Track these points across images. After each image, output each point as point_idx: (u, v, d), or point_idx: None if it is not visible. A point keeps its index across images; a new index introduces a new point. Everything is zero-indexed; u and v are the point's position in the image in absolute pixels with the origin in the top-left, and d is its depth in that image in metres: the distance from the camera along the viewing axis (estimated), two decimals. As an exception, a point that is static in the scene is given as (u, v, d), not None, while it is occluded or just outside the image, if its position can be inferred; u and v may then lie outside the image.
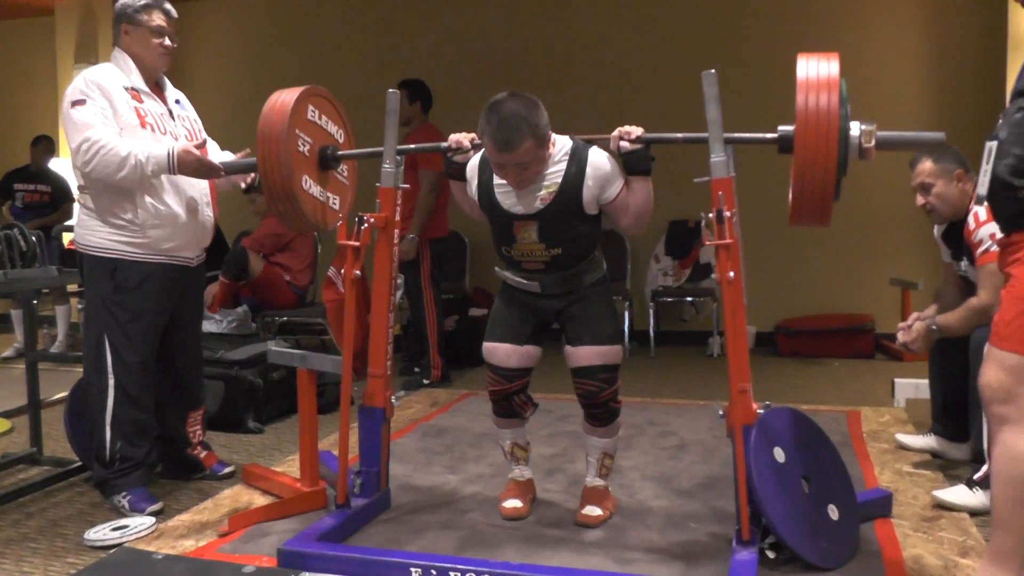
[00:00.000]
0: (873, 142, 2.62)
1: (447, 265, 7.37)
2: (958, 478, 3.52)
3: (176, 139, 3.47)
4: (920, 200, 3.69)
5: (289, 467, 3.85)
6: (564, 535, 3.08)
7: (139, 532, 3.12)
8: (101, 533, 3.09)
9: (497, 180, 3.04)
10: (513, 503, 3.26)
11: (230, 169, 3.45)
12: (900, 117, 6.88)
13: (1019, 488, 2.26)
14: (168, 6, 3.56)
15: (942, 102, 7.09)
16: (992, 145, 2.37)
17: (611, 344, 3.11)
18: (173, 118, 3.56)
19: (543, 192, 2.97)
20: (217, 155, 3.63)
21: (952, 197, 3.62)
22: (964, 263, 3.70)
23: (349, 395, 3.18)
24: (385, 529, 3.16)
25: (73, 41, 8.44)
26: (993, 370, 2.32)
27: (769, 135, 2.76)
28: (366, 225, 3.15)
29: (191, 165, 3.31)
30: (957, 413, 3.85)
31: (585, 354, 3.09)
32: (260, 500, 3.49)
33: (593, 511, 3.19)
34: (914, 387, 4.98)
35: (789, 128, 2.65)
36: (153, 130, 3.39)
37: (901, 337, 3.73)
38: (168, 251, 3.48)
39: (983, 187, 2.40)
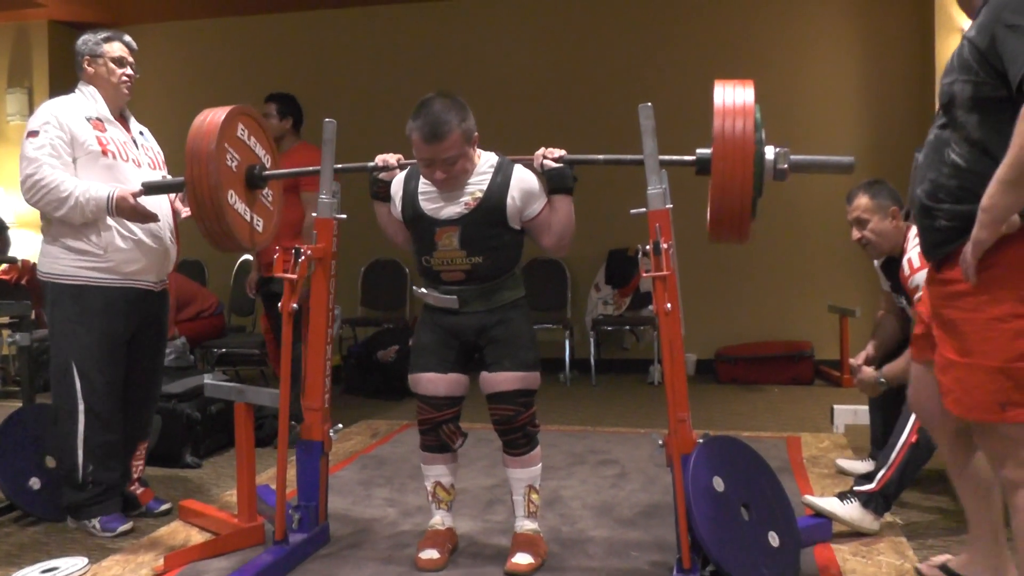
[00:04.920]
0: (787, 164, 2.72)
1: (385, 293, 7.33)
2: (904, 499, 3.57)
3: (139, 166, 3.60)
4: (856, 234, 3.72)
5: (227, 502, 3.79)
6: (504, 568, 3.04)
7: (70, 574, 3.04)
8: None
9: (422, 188, 3.08)
10: (429, 554, 3.07)
11: (154, 188, 3.45)
12: (835, 143, 6.99)
13: None
14: (128, 38, 3.67)
15: (875, 127, 7.22)
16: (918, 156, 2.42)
17: (531, 370, 3.09)
18: (137, 146, 3.65)
19: (467, 198, 3.01)
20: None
21: (887, 233, 3.66)
22: (903, 300, 3.76)
23: (287, 429, 3.13)
24: (323, 565, 3.12)
25: (5, 64, 8.32)
26: (981, 440, 2.32)
27: (688, 157, 2.84)
28: (303, 257, 3.12)
29: (126, 211, 3.40)
30: None
31: (505, 379, 3.05)
32: (197, 537, 3.43)
33: (524, 559, 3.03)
34: (853, 413, 5.04)
35: (707, 151, 2.75)
36: (115, 157, 3.50)
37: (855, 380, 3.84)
38: (131, 274, 3.53)
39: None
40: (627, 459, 4.50)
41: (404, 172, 3.17)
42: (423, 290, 3.15)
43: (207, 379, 4.02)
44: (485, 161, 3.07)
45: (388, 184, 3.19)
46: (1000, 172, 2.03)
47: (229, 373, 6.84)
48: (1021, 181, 2.00)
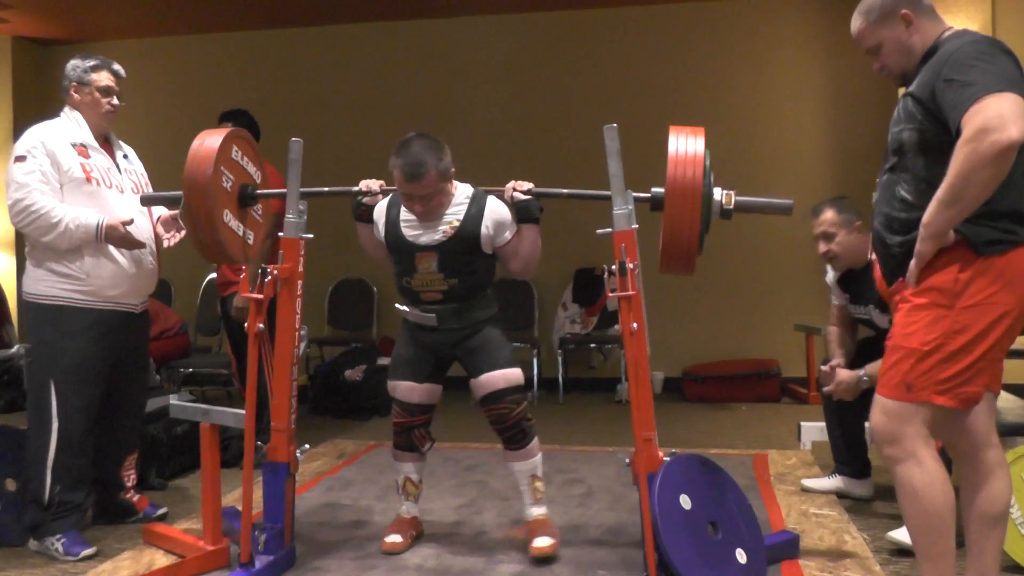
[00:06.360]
0: (732, 205, 2.92)
1: (352, 313, 7.26)
2: (871, 515, 3.59)
3: (122, 192, 3.64)
4: (823, 248, 3.81)
5: (193, 524, 3.75)
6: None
7: (32, 597, 3.01)
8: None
9: (403, 216, 3.32)
10: (393, 538, 3.41)
11: (150, 200, 3.59)
12: (801, 181, 7.07)
13: (926, 519, 2.40)
14: (116, 66, 3.72)
15: (839, 164, 7.31)
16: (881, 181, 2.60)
17: (511, 367, 3.34)
18: (120, 171, 3.69)
19: (445, 227, 3.27)
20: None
21: (853, 245, 3.78)
22: (870, 307, 3.80)
23: (253, 450, 3.12)
24: (290, 587, 3.10)
25: (-26, 85, 8.25)
26: (877, 415, 2.49)
27: (644, 195, 3.00)
28: (269, 277, 3.12)
29: (116, 239, 3.46)
30: (857, 450, 3.99)
31: (489, 380, 3.31)
32: (162, 560, 3.38)
33: (544, 541, 3.28)
34: (819, 430, 5.05)
35: (660, 190, 2.90)
36: (99, 184, 3.53)
37: (827, 387, 3.82)
38: (113, 298, 3.57)
39: None
40: (594, 478, 4.50)
41: (387, 199, 3.38)
42: (404, 308, 3.38)
43: (173, 400, 3.98)
44: (461, 192, 3.33)
45: (371, 208, 3.39)
46: (938, 194, 2.29)
47: (195, 393, 6.78)
48: (955, 202, 2.26)
